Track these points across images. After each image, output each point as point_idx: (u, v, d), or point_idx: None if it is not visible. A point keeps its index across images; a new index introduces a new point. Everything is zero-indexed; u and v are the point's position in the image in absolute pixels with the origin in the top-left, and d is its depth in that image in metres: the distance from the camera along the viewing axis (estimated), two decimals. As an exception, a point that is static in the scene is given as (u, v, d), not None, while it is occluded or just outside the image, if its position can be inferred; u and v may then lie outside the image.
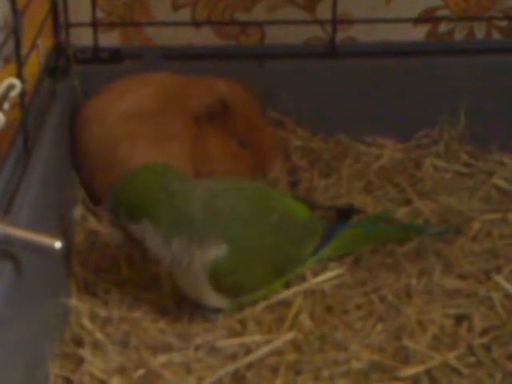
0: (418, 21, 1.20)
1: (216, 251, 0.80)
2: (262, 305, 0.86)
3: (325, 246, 0.88)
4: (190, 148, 0.95)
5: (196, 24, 1.18)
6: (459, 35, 1.22)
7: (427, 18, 1.20)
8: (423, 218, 0.99)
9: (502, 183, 1.06)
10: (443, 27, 1.21)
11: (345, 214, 0.91)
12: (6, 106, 0.72)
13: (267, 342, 0.81)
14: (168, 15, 1.17)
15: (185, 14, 1.18)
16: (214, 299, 0.83)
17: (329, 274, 0.89)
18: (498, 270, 0.90)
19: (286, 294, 0.87)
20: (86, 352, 0.79)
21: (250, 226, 0.82)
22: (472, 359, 0.80)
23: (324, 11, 1.15)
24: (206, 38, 1.19)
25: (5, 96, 0.73)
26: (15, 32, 0.75)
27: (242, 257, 0.81)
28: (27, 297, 0.72)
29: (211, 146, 0.96)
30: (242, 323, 0.84)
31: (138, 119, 0.96)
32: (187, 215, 0.78)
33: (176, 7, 1.17)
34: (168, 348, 0.80)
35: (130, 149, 0.95)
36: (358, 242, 0.92)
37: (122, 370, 0.77)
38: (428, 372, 0.78)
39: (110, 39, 1.16)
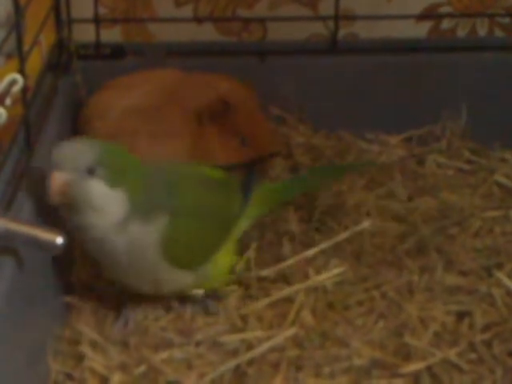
0: (421, 17, 1.20)
1: (162, 222, 0.77)
2: (263, 301, 0.86)
3: (248, 199, 0.88)
4: (191, 145, 0.95)
5: (198, 20, 1.18)
6: (462, 32, 1.21)
7: (429, 14, 1.20)
8: (424, 214, 0.99)
9: (503, 180, 1.06)
10: (446, 24, 1.21)
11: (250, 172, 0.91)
12: (8, 101, 0.72)
13: (268, 338, 0.81)
14: (170, 11, 1.17)
15: (187, 10, 1.18)
16: (173, 277, 0.81)
17: (331, 272, 0.89)
18: (500, 266, 0.90)
19: (287, 290, 0.87)
20: (86, 348, 0.79)
21: (184, 194, 0.81)
22: (473, 356, 0.80)
23: (326, 7, 1.15)
24: (208, 34, 1.19)
25: (7, 91, 0.73)
26: (17, 28, 0.75)
27: (186, 221, 0.80)
28: (28, 293, 0.72)
29: (212, 144, 0.96)
30: (244, 319, 0.84)
31: (139, 115, 0.96)
32: (149, 197, 0.77)
33: (178, 3, 1.17)
34: (169, 344, 0.80)
35: (131, 145, 0.94)
36: (278, 193, 0.93)
37: (123, 367, 0.77)
38: (429, 368, 0.78)
39: (112, 35, 1.16)
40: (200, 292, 0.85)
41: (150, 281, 0.81)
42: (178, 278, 0.81)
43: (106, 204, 0.74)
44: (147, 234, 0.77)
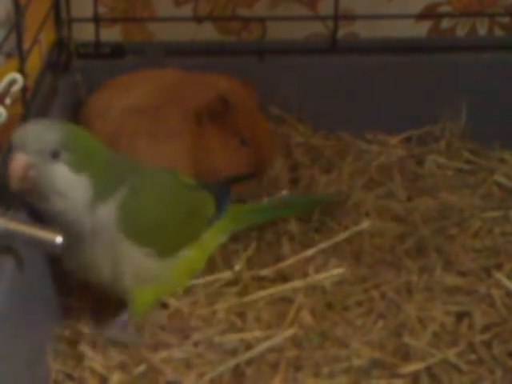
0: (420, 17, 1.19)
1: (121, 194, 0.75)
2: (262, 300, 0.86)
3: (222, 210, 0.87)
4: (191, 145, 0.95)
5: (198, 19, 1.18)
6: (461, 31, 1.21)
7: (429, 14, 1.20)
8: (423, 215, 0.99)
9: (503, 180, 1.06)
10: (445, 23, 1.21)
11: (223, 189, 0.90)
12: (8, 100, 0.72)
13: (267, 337, 0.81)
14: (170, 11, 1.17)
15: (187, 10, 1.18)
16: (136, 260, 0.78)
17: (330, 272, 0.89)
18: (499, 267, 0.90)
19: (286, 290, 0.87)
20: (86, 348, 0.78)
21: (149, 175, 0.81)
22: (472, 356, 0.80)
23: (326, 7, 1.15)
24: (207, 33, 1.18)
25: (7, 91, 0.73)
26: (17, 27, 0.75)
27: (147, 198, 0.78)
28: (28, 292, 0.72)
29: (212, 144, 0.96)
30: (243, 319, 0.84)
31: (139, 115, 0.96)
32: (117, 181, 0.76)
33: (178, 3, 1.17)
34: (167, 344, 0.80)
35: (130, 145, 0.94)
36: (252, 211, 0.94)
37: (122, 366, 0.77)
38: (428, 369, 0.78)
39: (111, 34, 1.16)
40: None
41: (110, 265, 0.77)
42: (141, 261, 0.78)
43: (70, 189, 0.72)
44: (109, 212, 0.74)
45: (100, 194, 0.73)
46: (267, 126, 1.04)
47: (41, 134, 0.71)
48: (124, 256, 0.77)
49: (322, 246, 0.92)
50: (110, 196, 0.74)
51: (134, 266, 0.78)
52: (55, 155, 0.70)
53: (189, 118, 0.96)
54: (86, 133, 0.76)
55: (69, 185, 0.71)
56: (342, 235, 0.94)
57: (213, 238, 0.87)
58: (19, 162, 0.69)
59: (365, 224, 0.94)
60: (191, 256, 0.83)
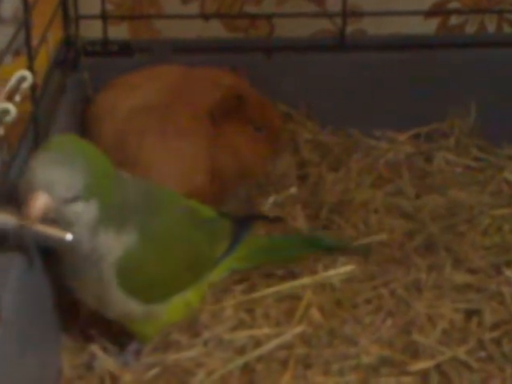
0: (429, 14, 1.19)
1: (128, 239, 0.72)
2: (270, 298, 0.86)
3: (233, 249, 0.83)
4: (208, 145, 0.95)
5: (205, 17, 1.18)
6: (470, 28, 1.21)
7: (438, 10, 1.19)
8: (432, 212, 0.99)
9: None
10: (454, 20, 1.21)
11: (245, 223, 0.86)
12: (18, 98, 0.72)
13: (276, 335, 0.81)
14: (177, 8, 1.17)
15: (194, 7, 1.18)
16: (121, 302, 0.75)
17: (339, 270, 0.89)
18: (509, 264, 0.90)
19: (295, 287, 0.87)
20: (97, 348, 0.78)
21: (160, 217, 0.76)
22: (482, 354, 0.80)
23: (333, 3, 1.15)
24: (214, 30, 1.18)
25: (16, 88, 0.73)
26: (26, 25, 0.75)
27: (153, 247, 0.74)
28: (39, 289, 0.72)
29: (232, 139, 0.96)
30: (251, 316, 0.84)
31: (146, 114, 0.95)
32: (121, 205, 0.72)
33: (185, 0, 1.17)
34: (178, 342, 0.80)
35: (139, 144, 0.94)
36: (262, 252, 0.88)
37: (133, 367, 0.78)
38: (438, 367, 0.78)
39: (119, 32, 1.16)
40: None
41: (96, 297, 0.76)
42: (125, 305, 0.75)
43: (79, 218, 0.69)
44: (106, 242, 0.72)
45: (102, 218, 0.71)
46: (269, 102, 1.04)
47: (67, 181, 0.68)
48: (110, 296, 0.75)
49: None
50: (112, 224, 0.72)
51: (118, 307, 0.76)
52: (75, 199, 0.69)
53: (199, 117, 0.96)
54: (106, 162, 0.73)
55: (78, 215, 0.70)
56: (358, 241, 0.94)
57: (215, 275, 0.83)
58: (41, 203, 0.66)
59: (382, 236, 0.94)
60: (187, 297, 0.79)
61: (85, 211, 0.69)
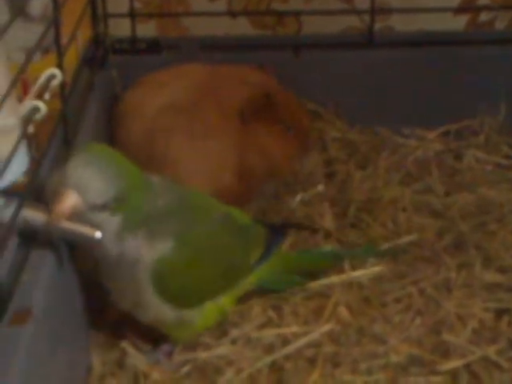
0: (458, 10, 1.18)
1: (163, 246, 0.72)
2: (299, 296, 0.85)
3: (266, 257, 0.82)
4: (236, 142, 0.95)
5: (233, 14, 1.18)
6: (500, 24, 1.20)
7: (468, 7, 1.18)
8: (462, 210, 0.98)
9: (543, 176, 1.05)
10: (484, 16, 1.20)
11: (279, 231, 0.86)
12: (47, 95, 0.72)
13: (305, 333, 0.81)
14: (205, 5, 1.17)
15: (221, 4, 1.18)
16: (156, 307, 0.75)
17: (369, 269, 0.88)
18: (539, 263, 0.89)
19: (323, 285, 0.86)
20: (128, 345, 0.78)
21: (197, 224, 0.76)
22: (513, 353, 0.79)
23: (362, 1, 1.14)
24: (242, 28, 1.18)
25: (46, 86, 0.73)
26: (55, 23, 0.76)
27: (190, 254, 0.74)
28: (69, 287, 0.72)
29: (261, 138, 0.96)
30: (279, 314, 0.84)
31: (174, 112, 0.95)
32: (150, 210, 0.72)
33: (213, -3, 1.17)
34: (206, 342, 0.80)
35: (166, 143, 0.94)
36: (291, 264, 0.87)
37: (164, 366, 0.78)
38: (468, 366, 0.77)
39: (147, 30, 1.16)
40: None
41: (130, 300, 0.76)
42: (159, 310, 0.75)
43: (105, 224, 0.69)
44: (141, 253, 0.72)
45: (128, 226, 0.71)
46: (305, 112, 1.03)
47: (101, 188, 0.68)
48: (145, 301, 0.75)
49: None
50: (142, 231, 0.71)
51: (152, 313, 0.76)
52: (104, 208, 0.69)
53: (228, 116, 0.95)
54: (137, 173, 0.73)
55: (103, 223, 0.69)
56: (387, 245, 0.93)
57: (249, 283, 0.82)
58: (71, 202, 0.66)
59: (412, 237, 0.93)
60: (220, 303, 0.79)
61: (110, 220, 0.69)
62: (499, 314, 0.83)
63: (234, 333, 0.81)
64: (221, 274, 0.78)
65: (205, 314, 0.78)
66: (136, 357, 0.77)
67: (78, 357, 0.75)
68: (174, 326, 0.77)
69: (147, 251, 0.72)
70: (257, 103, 0.95)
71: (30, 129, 0.71)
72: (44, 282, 0.64)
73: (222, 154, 0.94)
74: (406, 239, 0.93)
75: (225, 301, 0.79)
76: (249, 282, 0.82)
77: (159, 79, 1.00)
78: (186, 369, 0.77)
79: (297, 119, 0.98)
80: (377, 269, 0.89)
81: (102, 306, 0.81)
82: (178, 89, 0.97)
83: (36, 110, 0.70)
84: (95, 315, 0.81)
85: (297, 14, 1.18)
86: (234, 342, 0.80)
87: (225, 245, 0.78)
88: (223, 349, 0.79)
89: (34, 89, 0.73)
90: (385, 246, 0.92)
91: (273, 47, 1.12)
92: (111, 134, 0.99)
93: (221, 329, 0.81)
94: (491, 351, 0.78)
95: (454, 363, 0.77)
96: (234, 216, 0.80)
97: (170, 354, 0.79)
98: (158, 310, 0.75)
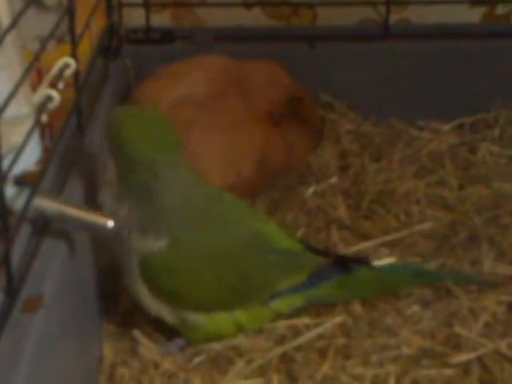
0: (474, 3, 1.18)
1: (155, 243, 0.73)
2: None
3: (315, 284, 0.79)
4: (261, 140, 0.95)
5: (247, 5, 1.18)
6: (516, 18, 1.20)
7: (483, 0, 1.18)
8: (475, 203, 0.97)
9: (557, 170, 1.04)
10: (500, 10, 1.19)
11: (342, 262, 0.81)
12: (61, 85, 0.73)
13: (316, 325, 0.80)
14: (219, -5, 1.16)
15: (236, -5, 1.17)
16: (150, 302, 0.76)
17: (382, 261, 0.88)
18: (553, 257, 0.89)
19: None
20: (140, 334, 0.78)
21: (209, 232, 0.75)
22: (525, 347, 0.79)
23: (377, -7, 1.14)
24: (257, 18, 1.18)
25: (59, 75, 0.73)
26: (70, 12, 0.76)
27: (183, 256, 0.74)
28: (80, 275, 0.72)
29: (286, 136, 0.97)
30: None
31: (193, 105, 0.95)
32: (167, 202, 0.72)
33: (228, -12, 1.17)
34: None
35: (185, 135, 0.94)
36: (369, 284, 0.83)
37: (176, 355, 0.78)
38: (480, 359, 0.77)
39: (161, 20, 1.16)
40: None
41: (133, 293, 0.77)
42: (155, 307, 0.76)
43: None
44: (135, 244, 0.73)
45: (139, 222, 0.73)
46: (313, 101, 1.05)
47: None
48: (139, 293, 0.76)
49: (375, 242, 0.92)
50: (144, 226, 0.73)
51: (151, 309, 0.77)
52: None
53: (255, 114, 0.96)
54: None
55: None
56: (399, 234, 0.92)
57: (284, 305, 0.80)
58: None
59: (426, 225, 0.93)
60: (236, 318, 0.78)
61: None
62: (511, 307, 0.83)
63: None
64: (227, 287, 0.76)
65: (216, 322, 0.77)
66: (147, 346, 0.77)
67: (89, 345, 0.75)
68: (179, 326, 0.77)
69: (139, 243, 0.73)
70: (289, 107, 0.97)
71: (44, 118, 0.71)
72: (56, 271, 0.64)
73: (243, 150, 0.94)
74: (418, 228, 0.93)
75: (242, 317, 0.78)
76: (286, 304, 0.80)
77: (178, 70, 0.99)
78: (197, 360, 0.77)
79: (311, 113, 0.99)
80: (390, 260, 0.88)
81: (115, 295, 0.82)
82: (198, 81, 0.97)
83: (49, 99, 0.70)
84: (107, 303, 0.81)
85: (312, 5, 1.18)
86: (246, 333, 0.80)
87: (236, 259, 0.77)
88: (236, 340, 0.79)
89: (48, 78, 0.73)
90: (397, 235, 0.92)
91: (287, 38, 1.12)
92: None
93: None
94: (503, 345, 0.78)
95: (465, 356, 0.77)
96: (267, 236, 0.78)
97: (183, 348, 0.79)
98: (153, 306, 0.76)
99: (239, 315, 0.78)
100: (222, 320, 0.77)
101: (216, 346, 0.78)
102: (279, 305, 0.79)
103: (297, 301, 0.80)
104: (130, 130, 0.72)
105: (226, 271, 0.76)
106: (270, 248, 0.78)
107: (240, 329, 0.78)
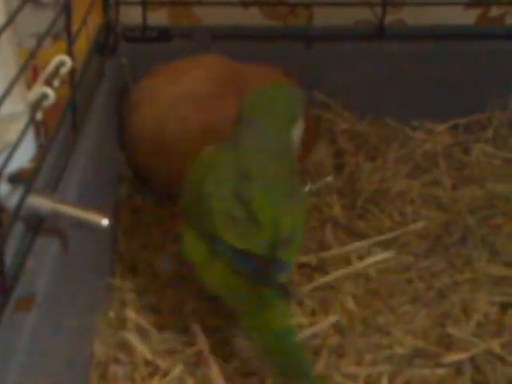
0: (469, 5, 1.18)
1: None
2: (306, 287, 0.85)
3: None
4: None
5: (244, 4, 1.18)
6: (510, 20, 1.20)
7: (478, 2, 1.18)
8: (469, 204, 0.98)
9: (550, 171, 1.05)
10: (494, 11, 1.19)
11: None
12: (56, 82, 0.73)
13: (310, 324, 0.81)
14: (217, -5, 1.17)
15: (234, -6, 1.18)
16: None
17: (374, 258, 0.88)
18: (545, 257, 0.89)
19: (330, 276, 0.86)
20: (131, 334, 0.79)
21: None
22: (516, 347, 0.79)
23: (374, -7, 1.14)
24: (254, 18, 1.18)
25: (55, 73, 0.73)
26: (66, 9, 0.76)
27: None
28: (73, 273, 0.72)
29: None
30: (285, 305, 0.84)
31: (190, 103, 0.95)
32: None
33: (225, -13, 1.17)
34: (215, 328, 0.80)
35: (180, 132, 0.94)
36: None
37: (169, 352, 0.78)
38: (472, 359, 0.77)
39: (158, 18, 1.16)
40: None
41: None
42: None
43: None
44: None
45: None
46: (311, 112, 1.05)
47: None
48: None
49: (368, 242, 0.92)
50: None
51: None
52: None
53: None
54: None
55: None
56: (392, 234, 0.93)
57: None
58: None
59: (420, 224, 0.94)
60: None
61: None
62: (504, 307, 0.83)
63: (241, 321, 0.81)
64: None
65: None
66: (138, 343, 0.78)
67: (81, 343, 0.75)
68: None
69: None
70: None
71: (39, 115, 0.71)
72: (49, 269, 0.64)
73: None
74: (412, 228, 0.93)
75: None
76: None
77: (178, 68, 0.99)
78: (191, 350, 0.77)
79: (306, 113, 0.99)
80: (385, 256, 0.88)
81: (107, 292, 0.82)
82: (198, 79, 0.97)
83: (44, 96, 0.70)
84: (99, 301, 0.82)
85: (308, 5, 1.18)
86: (240, 331, 0.80)
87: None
88: (230, 339, 0.79)
89: (43, 75, 0.73)
90: (391, 234, 0.92)
91: (284, 38, 1.12)
92: (121, 123, 1.00)
93: (228, 317, 0.81)
94: (495, 344, 0.78)
95: (457, 356, 0.77)
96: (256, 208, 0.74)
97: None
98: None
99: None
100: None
101: (210, 341, 0.78)
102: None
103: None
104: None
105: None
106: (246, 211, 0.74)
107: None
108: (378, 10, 1.11)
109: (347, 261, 0.89)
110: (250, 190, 0.74)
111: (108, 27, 1.05)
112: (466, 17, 1.19)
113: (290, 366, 0.70)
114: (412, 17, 1.18)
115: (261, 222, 0.73)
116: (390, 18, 1.14)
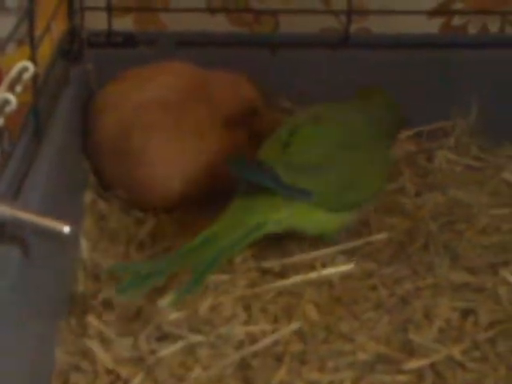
0: (433, 13, 1.19)
1: None
2: (268, 294, 0.86)
3: None
4: (218, 148, 0.96)
5: (211, 11, 1.18)
6: (473, 29, 1.21)
7: (442, 10, 1.19)
8: (432, 210, 0.99)
9: (511, 178, 1.06)
10: (457, 20, 1.21)
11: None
12: (19, 88, 0.72)
13: (273, 331, 0.81)
14: (183, 1, 1.17)
15: (200, 1, 1.18)
16: None
17: (338, 268, 0.89)
18: (506, 264, 0.90)
19: (292, 283, 0.87)
20: (92, 342, 0.78)
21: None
22: (477, 353, 0.79)
23: (339, 1, 1.15)
24: (220, 25, 1.18)
25: (17, 79, 0.73)
26: (30, 14, 0.75)
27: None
28: (34, 282, 0.72)
29: (243, 146, 0.98)
30: (248, 312, 0.84)
31: (156, 109, 0.95)
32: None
33: (191, -7, 1.17)
34: (174, 336, 0.80)
35: (145, 139, 0.94)
36: None
37: (130, 360, 0.77)
38: (432, 365, 0.78)
39: (124, 24, 1.16)
40: None
41: None
42: None
43: None
44: None
45: None
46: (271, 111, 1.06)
47: None
48: None
49: (331, 250, 0.92)
50: None
51: None
52: None
53: (217, 121, 0.96)
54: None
55: None
56: (356, 243, 0.93)
57: None
58: None
59: (382, 235, 0.94)
60: None
61: None
62: (465, 313, 0.84)
63: (204, 329, 0.81)
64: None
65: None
66: (100, 351, 0.77)
67: (42, 351, 0.74)
68: None
69: None
70: (245, 114, 0.98)
71: (0, 121, 0.70)
72: (10, 277, 0.64)
73: (201, 155, 0.94)
74: (375, 237, 0.94)
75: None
76: None
77: (144, 74, 0.99)
78: (150, 360, 0.77)
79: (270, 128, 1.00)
80: (347, 267, 0.89)
81: (69, 299, 0.82)
82: (164, 85, 0.97)
83: (6, 102, 0.70)
84: (61, 308, 0.81)
85: (274, 12, 1.18)
86: (202, 338, 0.80)
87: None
88: (192, 346, 0.79)
89: (6, 81, 0.73)
90: (355, 243, 0.93)
91: (250, 45, 1.12)
92: (85, 129, 0.99)
93: (190, 324, 0.81)
94: (456, 351, 0.79)
95: (419, 362, 0.78)
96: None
97: None
98: None
99: None
100: None
101: (169, 349, 0.78)
102: None
103: None
104: None
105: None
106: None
107: None
108: (343, 18, 1.12)
109: (312, 268, 0.89)
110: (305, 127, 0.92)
111: (73, 33, 1.04)
112: (429, 26, 1.20)
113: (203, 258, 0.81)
114: (377, 25, 1.19)
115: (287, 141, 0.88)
116: (355, 27, 1.15)
